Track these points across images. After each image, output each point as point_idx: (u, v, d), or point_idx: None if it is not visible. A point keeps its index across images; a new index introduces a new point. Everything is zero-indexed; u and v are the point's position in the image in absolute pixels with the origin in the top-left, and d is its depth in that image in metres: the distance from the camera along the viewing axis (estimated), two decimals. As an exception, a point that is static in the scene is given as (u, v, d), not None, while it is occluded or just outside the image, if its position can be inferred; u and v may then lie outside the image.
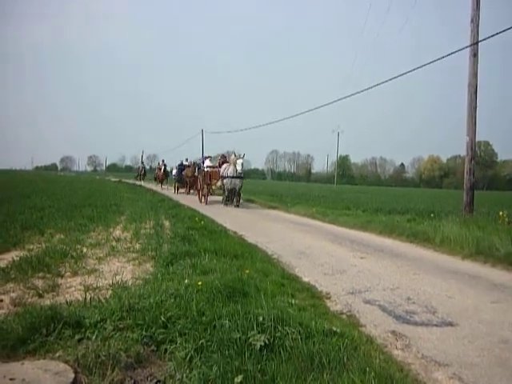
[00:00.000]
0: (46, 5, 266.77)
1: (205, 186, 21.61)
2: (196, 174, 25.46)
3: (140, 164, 49.78)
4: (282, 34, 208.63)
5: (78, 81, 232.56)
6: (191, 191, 29.00)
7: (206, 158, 24.54)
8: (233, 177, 19.22)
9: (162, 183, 37.02)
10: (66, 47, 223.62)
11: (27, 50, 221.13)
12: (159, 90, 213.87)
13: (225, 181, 19.68)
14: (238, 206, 19.45)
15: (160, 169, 37.85)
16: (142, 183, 40.56)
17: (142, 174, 44.36)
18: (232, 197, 19.94)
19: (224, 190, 20.53)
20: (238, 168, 18.97)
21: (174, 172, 32.20)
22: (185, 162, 32.80)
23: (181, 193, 29.94)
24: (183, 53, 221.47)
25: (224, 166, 20.35)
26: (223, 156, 22.74)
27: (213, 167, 22.40)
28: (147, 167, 52.89)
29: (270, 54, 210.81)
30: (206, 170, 22.18)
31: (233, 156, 19.70)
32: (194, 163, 28.53)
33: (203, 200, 21.57)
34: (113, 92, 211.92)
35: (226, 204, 20.12)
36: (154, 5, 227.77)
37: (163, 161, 39.51)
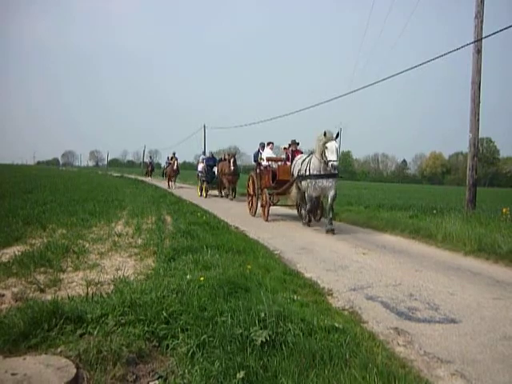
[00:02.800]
0: (49, 1, 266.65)
1: (264, 191, 13.51)
2: (232, 168, 19.79)
3: (148, 159, 45.97)
4: (283, 30, 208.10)
5: (80, 75, 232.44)
6: (217, 192, 23.26)
7: (267, 144, 15.32)
8: (319, 175, 10.72)
9: (170, 181, 30.12)
10: (68, 43, 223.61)
11: (29, 45, 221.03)
12: (160, 86, 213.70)
13: (303, 183, 11.29)
14: (332, 230, 10.57)
15: (170, 163, 30.63)
16: (150, 179, 37.71)
17: (150, 169, 41.21)
18: (316, 211, 12.55)
19: (301, 198, 12.32)
20: (332, 158, 10.21)
21: (200, 168, 24.10)
22: (203, 156, 26.93)
23: (210, 196, 23.03)
24: (183, 49, 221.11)
25: (299, 157, 12.36)
26: (294, 143, 14.04)
27: (276, 160, 14.61)
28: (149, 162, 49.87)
29: (271, 50, 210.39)
30: (264, 164, 14.37)
31: (321, 137, 10.51)
32: (233, 155, 20.98)
33: (262, 213, 13.57)
34: (114, 88, 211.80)
35: (308, 224, 11.88)
36: (155, 2, 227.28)
37: (174, 154, 31.58)
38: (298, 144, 14.06)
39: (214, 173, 22.67)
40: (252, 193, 14.78)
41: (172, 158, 30.97)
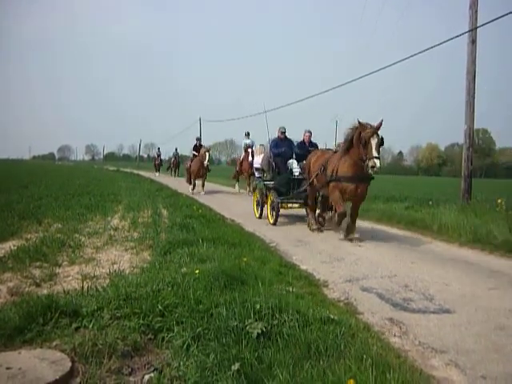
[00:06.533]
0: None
1: None
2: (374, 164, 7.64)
3: (156, 151, 41.00)
4: (282, 22, 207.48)
5: (76, 69, 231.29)
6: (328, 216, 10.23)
7: None
8: None
9: (194, 180, 19.25)
10: (66, 38, 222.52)
11: (28, 39, 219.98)
12: (157, 79, 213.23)
13: None
14: None
15: (196, 155, 19.68)
16: (157, 174, 34.30)
17: (158, 163, 37.36)
18: None
19: None
20: None
21: (259, 162, 12.45)
22: (247, 141, 19.39)
23: (283, 218, 11.88)
24: (181, 43, 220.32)
25: None
26: None
27: None
28: (145, 156, 46.58)
29: (270, 41, 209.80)
30: None
31: None
32: (374, 131, 7.76)
33: None
34: (111, 81, 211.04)
35: None
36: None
37: (199, 139, 21.18)
38: None
39: (292, 172, 11.10)
40: None
41: (198, 148, 19.91)
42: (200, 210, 11.25)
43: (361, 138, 7.82)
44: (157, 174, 35.65)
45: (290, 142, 11.84)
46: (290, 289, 4.88)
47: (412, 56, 13.38)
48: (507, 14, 9.74)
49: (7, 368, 2.91)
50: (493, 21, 10.36)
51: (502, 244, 7.77)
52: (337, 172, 8.47)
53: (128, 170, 45.97)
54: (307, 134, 11.46)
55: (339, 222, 8.65)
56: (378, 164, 7.62)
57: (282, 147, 11.51)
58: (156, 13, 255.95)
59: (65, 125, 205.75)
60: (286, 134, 11.79)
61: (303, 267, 6.39)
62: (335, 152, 9.14)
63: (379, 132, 7.85)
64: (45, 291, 4.60)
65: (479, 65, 12.29)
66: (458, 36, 11.79)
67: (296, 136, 12.08)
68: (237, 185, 20.81)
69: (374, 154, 7.63)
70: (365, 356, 3.15)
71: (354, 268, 6.48)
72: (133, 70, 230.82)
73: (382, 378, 2.87)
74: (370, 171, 7.83)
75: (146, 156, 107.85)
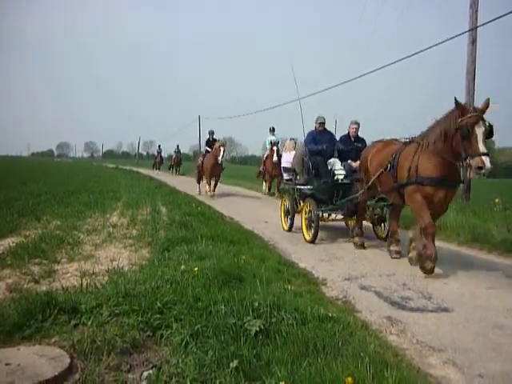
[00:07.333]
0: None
1: None
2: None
3: (156, 149, 40.04)
4: (282, 22, 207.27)
5: (76, 67, 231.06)
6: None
7: None
8: None
9: (209, 180, 16.40)
10: (66, 35, 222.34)
11: (28, 36, 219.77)
12: (158, 79, 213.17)
13: None
14: None
15: (208, 151, 16.90)
16: (158, 172, 34.02)
17: (158, 161, 36.94)
18: None
19: None
20: None
21: (289, 160, 10.35)
22: (271, 137, 17.07)
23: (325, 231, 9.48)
24: (180, 40, 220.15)
25: None
26: None
27: None
28: (144, 154, 45.86)
29: (270, 41, 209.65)
30: None
31: None
32: (483, 109, 5.58)
33: None
34: (112, 81, 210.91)
35: None
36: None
37: (212, 133, 17.75)
38: None
39: (333, 174, 8.60)
40: None
41: (212, 143, 16.92)
42: (199, 208, 11.23)
43: (459, 126, 5.53)
44: (158, 172, 35.09)
45: (331, 135, 9.42)
46: (289, 287, 4.89)
47: (412, 55, 13.39)
48: (507, 14, 9.75)
49: (6, 364, 2.92)
50: (493, 20, 10.39)
51: (500, 243, 7.77)
52: (417, 171, 6.16)
53: (127, 167, 45.88)
54: (354, 127, 9.09)
55: (423, 245, 6.01)
56: (487, 164, 5.31)
57: (322, 143, 8.96)
58: (156, 13, 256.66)
59: (64, 123, 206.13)
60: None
61: (302, 265, 6.40)
62: (406, 143, 6.80)
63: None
64: (44, 288, 4.61)
65: (479, 65, 12.31)
66: (458, 36, 11.80)
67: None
68: (264, 185, 17.99)
69: (481, 148, 5.35)
70: (362, 354, 3.17)
71: (352, 266, 6.49)
72: (133, 70, 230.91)
73: (379, 376, 2.88)
74: (473, 174, 5.49)
75: (145, 154, 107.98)
